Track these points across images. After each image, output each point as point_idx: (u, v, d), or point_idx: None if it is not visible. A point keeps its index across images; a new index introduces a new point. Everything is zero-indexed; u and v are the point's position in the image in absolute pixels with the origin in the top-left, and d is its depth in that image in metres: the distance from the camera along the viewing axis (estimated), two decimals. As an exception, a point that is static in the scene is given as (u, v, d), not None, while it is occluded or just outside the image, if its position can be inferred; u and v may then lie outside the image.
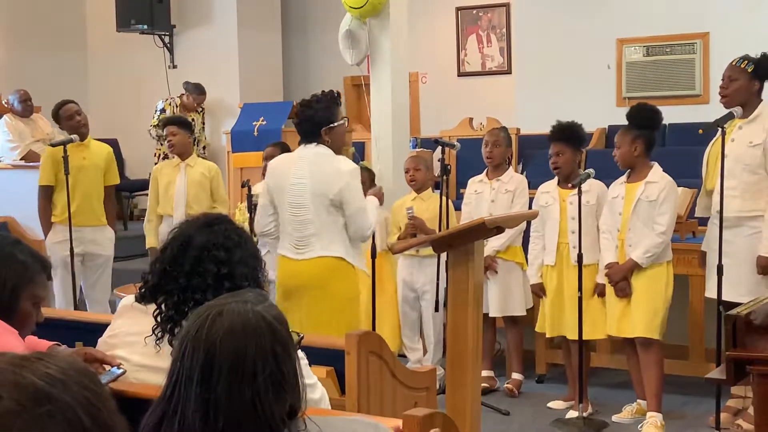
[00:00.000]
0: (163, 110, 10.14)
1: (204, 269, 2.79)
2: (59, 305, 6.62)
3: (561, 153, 5.84)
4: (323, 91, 5.04)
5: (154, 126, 10.02)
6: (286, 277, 4.99)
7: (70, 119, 6.75)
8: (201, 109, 10.50)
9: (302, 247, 4.89)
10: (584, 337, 5.62)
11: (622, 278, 5.45)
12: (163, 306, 2.84)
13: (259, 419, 1.76)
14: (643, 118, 5.56)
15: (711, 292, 5.30)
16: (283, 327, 1.86)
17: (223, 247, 2.81)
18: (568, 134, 5.87)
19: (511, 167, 6.41)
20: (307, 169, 4.88)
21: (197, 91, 10.49)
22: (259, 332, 1.81)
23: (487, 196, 6.25)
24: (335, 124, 4.89)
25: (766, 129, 5.24)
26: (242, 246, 2.86)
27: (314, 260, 4.84)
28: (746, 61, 5.33)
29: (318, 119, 4.86)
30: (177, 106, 10.23)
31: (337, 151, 4.96)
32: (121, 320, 3.03)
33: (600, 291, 5.67)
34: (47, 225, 6.73)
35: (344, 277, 4.89)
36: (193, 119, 10.13)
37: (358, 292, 5.05)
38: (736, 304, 3.38)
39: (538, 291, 5.99)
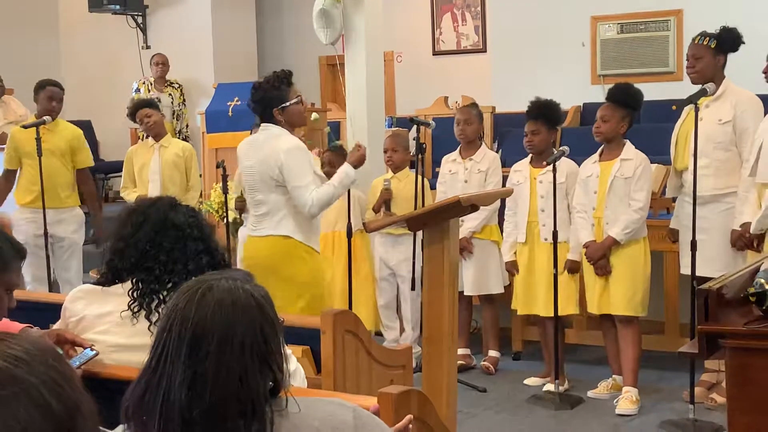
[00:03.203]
0: (137, 90, 10.06)
1: (185, 245, 2.91)
2: (31, 287, 6.60)
3: (537, 132, 5.86)
4: (275, 72, 5.06)
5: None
6: (248, 254, 5.10)
7: (48, 100, 6.73)
8: (178, 84, 10.41)
9: (256, 225, 5.00)
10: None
11: (601, 256, 5.48)
12: (140, 283, 2.88)
13: (244, 394, 1.78)
14: (628, 98, 5.57)
15: (686, 269, 5.33)
16: (270, 307, 1.89)
17: (196, 226, 2.96)
18: (545, 112, 5.88)
19: (484, 145, 6.42)
20: (256, 152, 4.94)
21: (160, 58, 10.40)
22: (249, 309, 1.83)
23: (460, 177, 6.27)
24: (287, 103, 4.91)
25: (734, 106, 5.29)
26: (206, 223, 3.04)
27: (266, 238, 4.92)
28: (708, 38, 5.37)
29: (268, 100, 4.90)
30: (151, 84, 10.14)
31: (295, 129, 5.00)
32: (82, 303, 3.02)
33: (570, 267, 5.71)
34: None
35: (296, 259, 4.88)
36: (170, 95, 10.04)
37: (315, 275, 4.99)
38: (711, 280, 3.40)
39: (512, 268, 6.03)
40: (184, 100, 10.48)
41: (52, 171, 6.69)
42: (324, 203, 4.88)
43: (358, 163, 5.08)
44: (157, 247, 2.90)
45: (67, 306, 3.06)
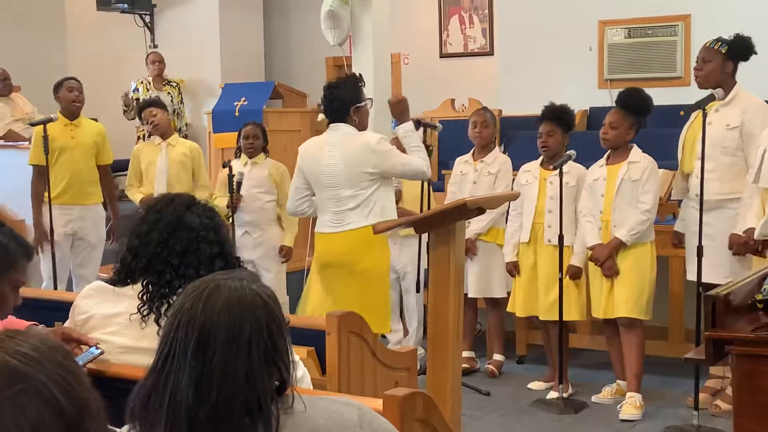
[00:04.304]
0: (136, 89, 9.98)
1: (198, 249, 2.83)
2: (46, 283, 6.60)
3: (552, 133, 5.84)
4: (346, 74, 5.42)
5: (126, 104, 9.89)
6: (323, 253, 5.27)
7: (69, 91, 6.76)
8: (175, 83, 10.36)
9: (340, 221, 5.18)
10: (557, 318, 5.66)
11: (607, 257, 5.46)
12: (150, 286, 2.84)
13: (251, 393, 1.77)
14: (638, 104, 5.56)
15: (693, 275, 5.32)
16: (277, 306, 1.88)
17: (212, 228, 2.88)
18: (561, 115, 5.87)
19: (497, 147, 6.45)
20: (338, 150, 5.15)
21: (156, 56, 10.35)
22: (255, 308, 1.82)
23: (470, 178, 6.28)
24: (362, 103, 5.20)
25: (743, 111, 5.28)
26: (222, 225, 2.95)
27: (353, 232, 5.13)
28: (720, 43, 5.37)
29: (346, 99, 5.16)
30: (150, 83, 10.07)
31: (363, 129, 5.26)
32: (93, 301, 2.99)
33: (573, 273, 5.69)
34: (38, 203, 6.70)
35: (378, 248, 5.14)
36: (169, 93, 9.98)
37: (388, 265, 5.31)
38: (716, 286, 3.39)
39: (512, 269, 6.01)
40: (182, 98, 10.42)
41: (80, 167, 6.71)
42: (427, 161, 5.26)
43: (402, 114, 5.33)
44: (169, 249, 2.84)
45: (78, 303, 3.04)
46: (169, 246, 2.84)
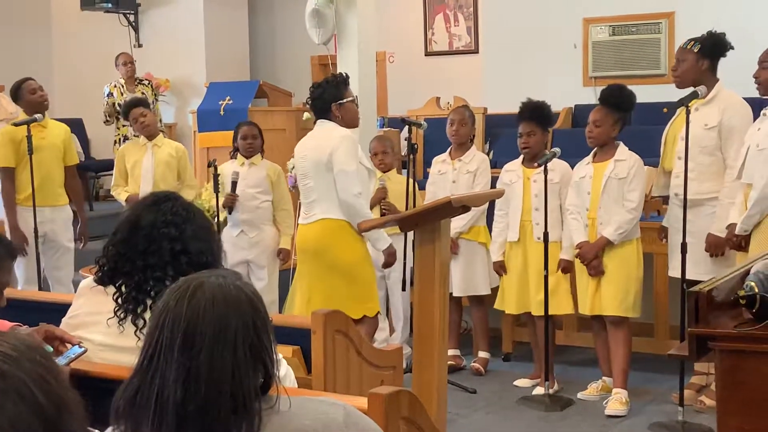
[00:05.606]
0: (110, 94, 9.86)
1: (158, 247, 2.78)
2: (21, 287, 6.54)
3: (532, 133, 5.86)
4: (333, 74, 5.59)
5: (107, 113, 9.78)
6: (298, 242, 5.51)
7: (32, 93, 6.60)
8: (148, 81, 10.26)
9: (307, 212, 5.40)
10: (549, 313, 5.67)
11: (594, 256, 5.48)
12: (123, 288, 2.82)
13: (236, 389, 1.78)
14: (621, 100, 5.57)
15: (675, 271, 5.35)
16: (260, 303, 1.89)
17: (172, 224, 2.81)
18: (539, 114, 5.90)
19: (474, 146, 6.44)
20: (312, 142, 5.39)
21: (126, 57, 10.23)
22: (240, 304, 1.84)
23: (449, 177, 6.28)
24: (344, 100, 5.33)
25: (721, 111, 5.30)
26: (192, 221, 2.85)
27: (317, 222, 5.31)
28: (693, 41, 5.42)
29: (327, 97, 5.32)
30: (123, 86, 9.94)
31: (349, 125, 5.41)
32: (81, 300, 2.99)
33: (564, 267, 5.72)
34: (11, 207, 6.63)
35: (343, 241, 5.26)
36: (143, 93, 9.90)
37: (363, 253, 5.37)
38: (699, 283, 3.41)
39: (499, 269, 6.03)
40: (156, 96, 10.30)
41: (50, 168, 6.63)
42: (353, 214, 5.21)
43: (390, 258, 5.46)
44: (132, 249, 2.80)
45: (73, 303, 3.04)
46: (131, 245, 2.81)
